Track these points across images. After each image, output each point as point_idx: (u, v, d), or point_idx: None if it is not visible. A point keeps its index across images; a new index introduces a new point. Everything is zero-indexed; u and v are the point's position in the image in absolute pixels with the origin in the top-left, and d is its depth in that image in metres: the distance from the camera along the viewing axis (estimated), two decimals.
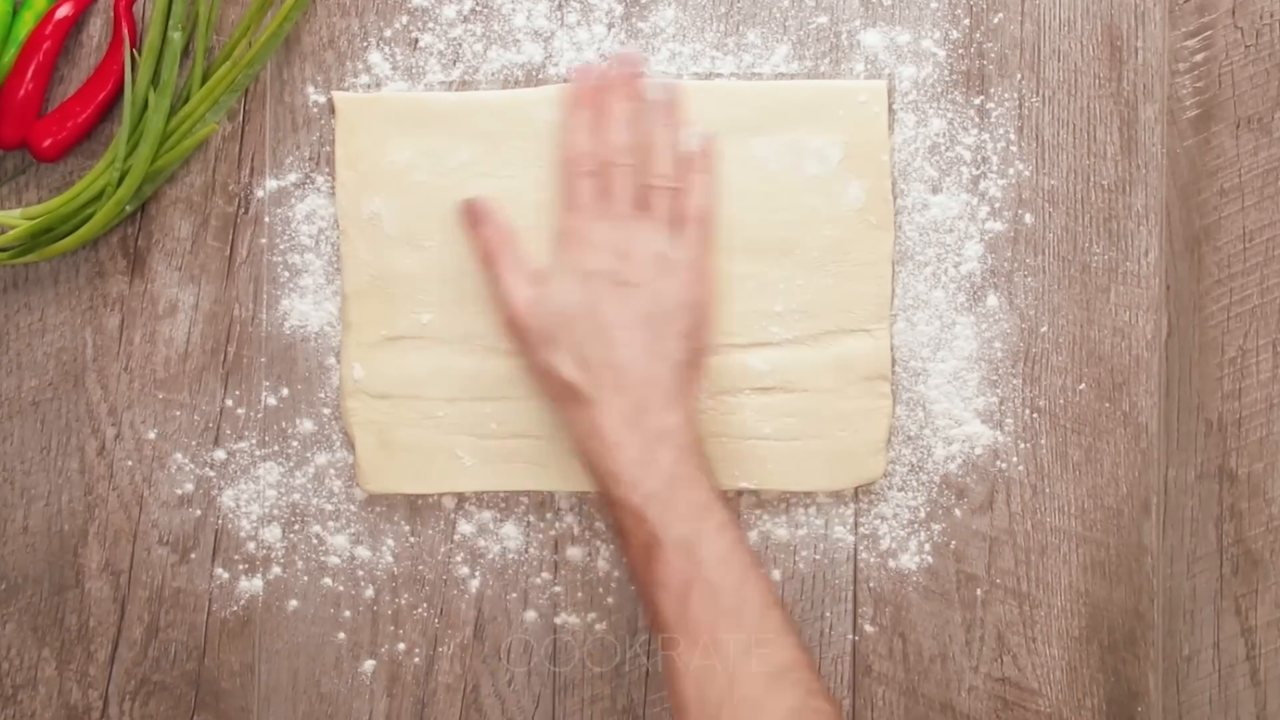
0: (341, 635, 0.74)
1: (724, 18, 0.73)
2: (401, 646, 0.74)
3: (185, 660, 0.74)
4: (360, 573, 0.74)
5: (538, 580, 0.74)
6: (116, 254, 0.74)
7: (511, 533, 0.73)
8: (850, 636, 0.74)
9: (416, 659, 0.74)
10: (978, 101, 0.73)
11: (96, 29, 0.74)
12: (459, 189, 0.72)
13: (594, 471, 0.65)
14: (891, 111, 0.73)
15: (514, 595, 0.74)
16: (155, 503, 0.74)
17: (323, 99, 0.73)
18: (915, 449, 0.73)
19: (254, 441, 0.74)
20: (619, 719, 0.74)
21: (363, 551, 0.74)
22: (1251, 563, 0.74)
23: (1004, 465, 0.74)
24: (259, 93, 0.74)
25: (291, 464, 0.74)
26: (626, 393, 0.64)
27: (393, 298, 0.72)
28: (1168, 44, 0.74)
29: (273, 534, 0.74)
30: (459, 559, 0.74)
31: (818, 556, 0.74)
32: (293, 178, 0.73)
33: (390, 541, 0.74)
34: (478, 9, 0.73)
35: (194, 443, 0.74)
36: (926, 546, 0.74)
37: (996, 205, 0.73)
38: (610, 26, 0.73)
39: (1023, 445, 0.74)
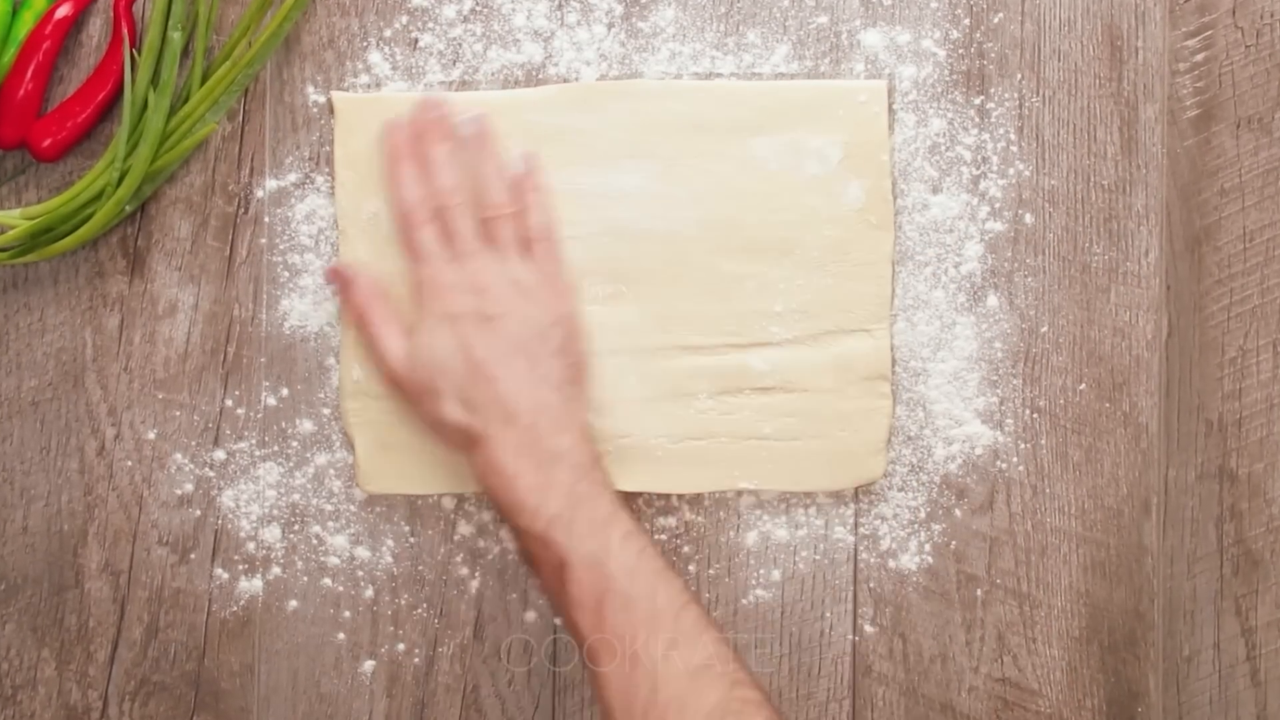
0: (341, 635, 0.74)
1: (724, 18, 0.73)
2: (401, 647, 0.74)
3: (185, 660, 0.74)
4: (360, 573, 0.74)
5: (538, 580, 0.74)
6: (116, 254, 0.74)
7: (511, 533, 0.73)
8: (850, 637, 0.74)
9: (416, 659, 0.74)
10: (978, 101, 0.73)
11: (96, 29, 0.74)
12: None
13: (498, 506, 0.66)
14: (891, 111, 0.73)
15: (514, 595, 0.74)
16: (155, 503, 0.74)
17: (322, 99, 0.73)
18: (915, 449, 0.73)
19: (254, 442, 0.74)
20: None
21: (362, 552, 0.74)
22: (1252, 563, 0.74)
23: (1004, 465, 0.74)
24: (259, 93, 0.74)
25: (291, 464, 0.74)
26: (515, 423, 0.65)
27: (392, 298, 0.72)
28: (1168, 44, 0.74)
29: (272, 534, 0.74)
30: (459, 559, 0.74)
31: (818, 557, 0.74)
32: (292, 178, 0.73)
33: (390, 542, 0.74)
34: (478, 9, 0.73)
35: (194, 443, 0.74)
36: (927, 547, 0.74)
37: (997, 205, 0.73)
38: (610, 26, 0.73)
39: (1023, 445, 0.74)
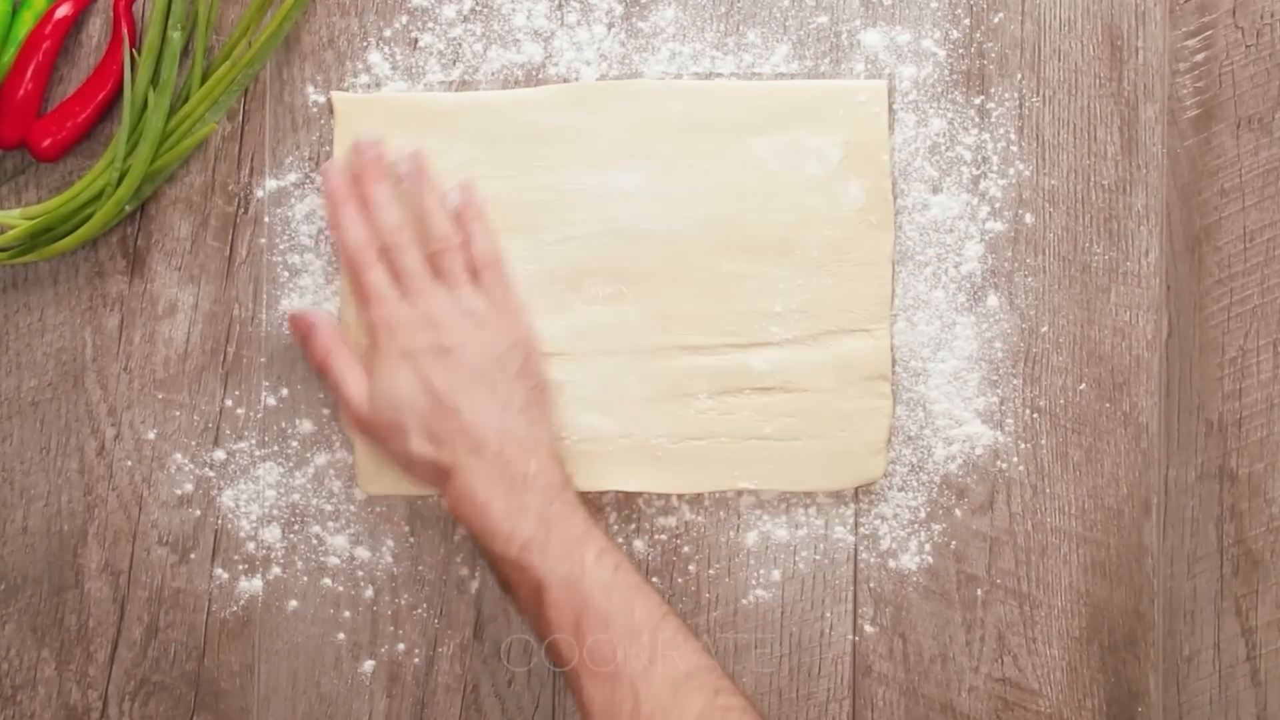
0: (341, 635, 0.74)
1: (724, 17, 0.73)
2: (401, 647, 0.74)
3: (185, 661, 0.74)
4: (360, 573, 0.74)
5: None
6: (116, 254, 0.74)
7: None
8: (850, 637, 0.74)
9: (416, 659, 0.74)
10: (978, 101, 0.73)
11: (96, 29, 0.74)
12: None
13: (472, 534, 0.66)
14: (892, 111, 0.73)
15: None
16: (155, 503, 0.74)
17: (322, 99, 0.73)
18: (915, 449, 0.73)
19: (254, 442, 0.74)
20: None
21: (362, 552, 0.74)
22: (1252, 563, 0.74)
23: (1004, 465, 0.74)
24: (259, 92, 0.74)
25: (291, 464, 0.74)
26: (483, 451, 0.65)
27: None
28: (1168, 44, 0.74)
29: (272, 534, 0.74)
30: (459, 559, 0.74)
31: (818, 557, 0.74)
32: (292, 178, 0.73)
33: (390, 542, 0.74)
34: (477, 9, 0.73)
35: (193, 443, 0.74)
36: (927, 547, 0.74)
37: (997, 205, 0.73)
38: (610, 26, 0.73)
39: (1023, 445, 0.74)
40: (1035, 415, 0.74)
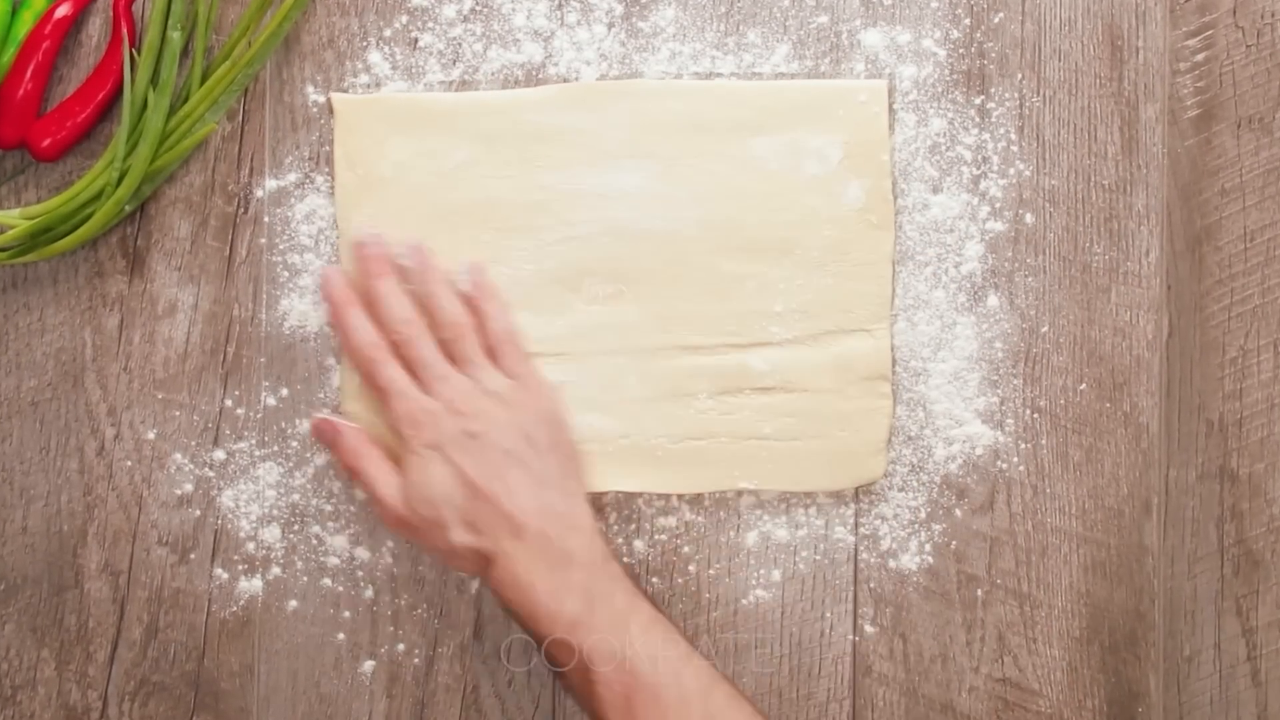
0: (341, 636, 0.74)
1: (724, 17, 0.73)
2: (401, 647, 0.74)
3: (185, 661, 0.74)
4: (360, 573, 0.74)
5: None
6: (116, 254, 0.74)
7: None
8: (850, 637, 0.74)
9: (416, 659, 0.74)
10: (978, 101, 0.73)
11: (96, 28, 0.73)
12: (458, 189, 0.72)
13: (517, 617, 0.66)
14: (892, 111, 0.73)
15: None
16: (154, 503, 0.74)
17: (322, 99, 0.73)
18: (916, 449, 0.73)
19: (253, 442, 0.74)
20: None
21: (362, 552, 0.74)
22: (1252, 563, 0.74)
23: (1004, 465, 0.74)
24: (258, 92, 0.74)
25: (291, 464, 0.74)
26: (524, 533, 0.65)
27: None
28: (1169, 43, 0.73)
29: (272, 534, 0.73)
30: None
31: (818, 557, 0.74)
32: (292, 177, 0.73)
33: (390, 542, 0.74)
34: (477, 9, 0.73)
35: (193, 443, 0.74)
36: (927, 547, 0.74)
37: (997, 205, 0.73)
38: (610, 26, 0.73)
39: (1023, 445, 0.74)
40: (1035, 415, 0.73)
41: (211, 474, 0.74)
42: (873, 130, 0.72)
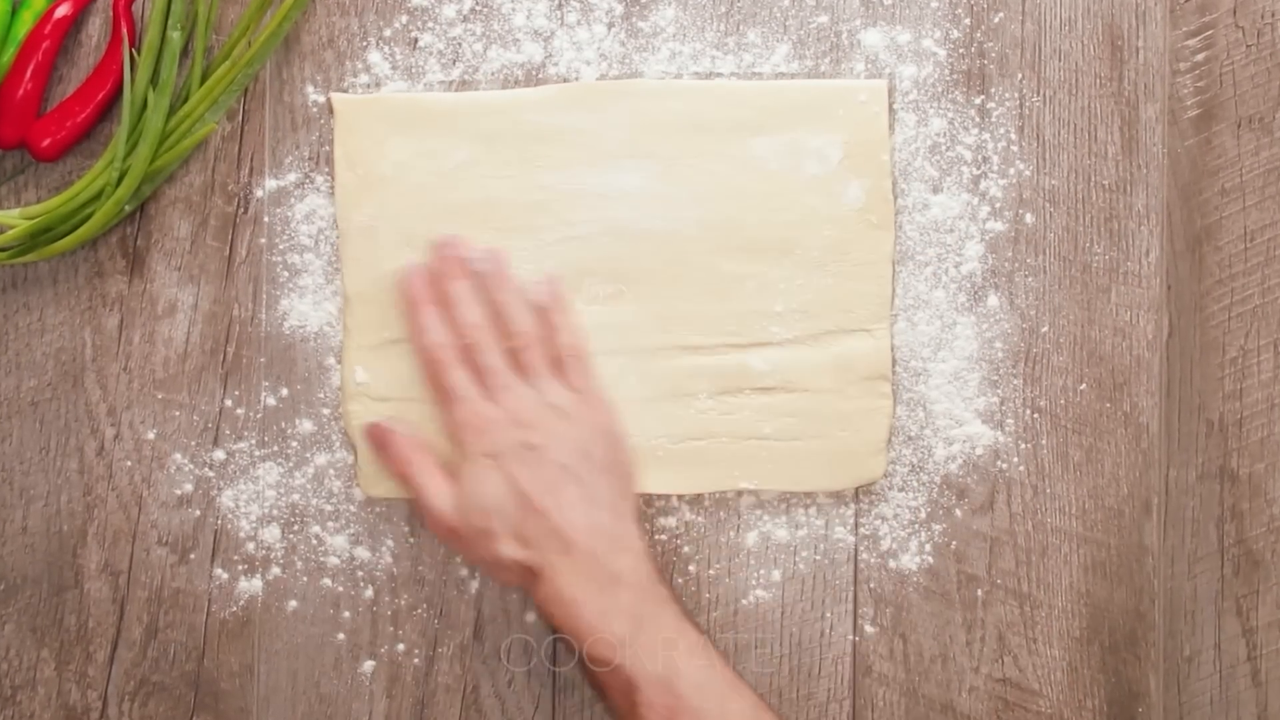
0: (341, 636, 0.74)
1: (724, 17, 0.73)
2: (401, 647, 0.74)
3: (184, 661, 0.74)
4: (360, 573, 0.74)
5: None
6: (115, 254, 0.74)
7: None
8: (850, 637, 0.74)
9: (416, 660, 0.74)
10: (978, 101, 0.73)
11: (95, 28, 0.73)
12: (458, 189, 0.72)
13: (562, 632, 0.65)
14: (892, 111, 0.73)
15: (514, 595, 0.74)
16: (154, 503, 0.74)
17: (322, 99, 0.73)
18: (916, 449, 0.73)
19: (253, 442, 0.74)
20: None
21: (362, 552, 0.74)
22: (1253, 563, 0.74)
23: (1005, 465, 0.74)
24: (258, 92, 0.74)
25: (291, 464, 0.74)
26: (574, 550, 0.64)
27: (393, 300, 0.72)
28: (1169, 43, 0.73)
29: (272, 534, 0.73)
30: (458, 559, 0.74)
31: (818, 557, 0.74)
32: (292, 177, 0.73)
33: (390, 542, 0.74)
34: (477, 8, 0.73)
35: (193, 443, 0.74)
36: (927, 547, 0.74)
37: (997, 205, 0.73)
38: (610, 26, 0.73)
39: (1023, 445, 0.73)
40: (1035, 415, 0.73)
41: (211, 474, 0.74)
42: (873, 130, 0.72)
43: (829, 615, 0.74)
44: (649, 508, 0.73)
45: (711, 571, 0.74)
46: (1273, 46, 0.74)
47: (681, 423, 0.72)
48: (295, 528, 0.74)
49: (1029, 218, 0.73)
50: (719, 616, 0.73)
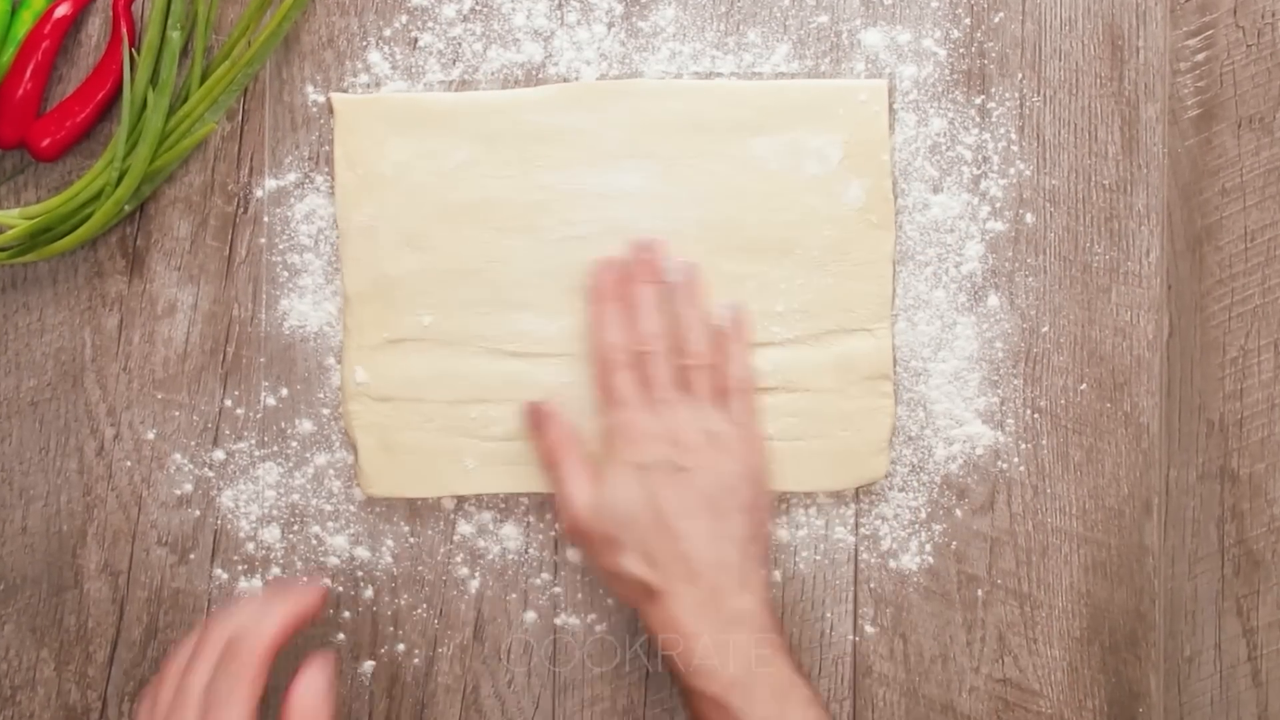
0: (341, 636, 0.74)
1: (724, 17, 0.73)
2: (401, 647, 0.74)
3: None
4: (360, 573, 0.74)
5: (538, 581, 0.73)
6: (115, 254, 0.73)
7: (511, 533, 0.73)
8: (851, 637, 0.74)
9: (416, 660, 0.74)
10: (979, 101, 0.73)
11: (95, 28, 0.73)
12: (458, 189, 0.72)
13: (670, 663, 0.64)
14: (892, 111, 0.73)
15: (514, 596, 0.74)
16: (154, 503, 0.74)
17: (322, 98, 0.73)
18: (916, 449, 0.73)
19: (253, 442, 0.73)
20: None
21: (362, 552, 0.74)
22: (1253, 563, 0.74)
23: (1005, 466, 0.73)
24: (258, 92, 0.73)
25: (291, 464, 0.74)
26: (698, 581, 0.64)
27: (394, 300, 0.72)
28: (1169, 43, 0.73)
29: (272, 534, 0.73)
30: (459, 560, 0.74)
31: (818, 557, 0.74)
32: (292, 177, 0.73)
33: (390, 542, 0.74)
34: (477, 8, 0.73)
35: (193, 443, 0.74)
36: (927, 547, 0.73)
37: (997, 205, 0.73)
38: (610, 26, 0.73)
39: (1024, 445, 0.73)
40: (1036, 415, 0.73)
41: (211, 474, 0.74)
42: (873, 130, 0.72)
43: (829, 615, 0.74)
44: None
45: None
46: (1273, 46, 0.74)
47: None
48: (295, 528, 0.73)
49: (1029, 217, 0.73)
50: None
